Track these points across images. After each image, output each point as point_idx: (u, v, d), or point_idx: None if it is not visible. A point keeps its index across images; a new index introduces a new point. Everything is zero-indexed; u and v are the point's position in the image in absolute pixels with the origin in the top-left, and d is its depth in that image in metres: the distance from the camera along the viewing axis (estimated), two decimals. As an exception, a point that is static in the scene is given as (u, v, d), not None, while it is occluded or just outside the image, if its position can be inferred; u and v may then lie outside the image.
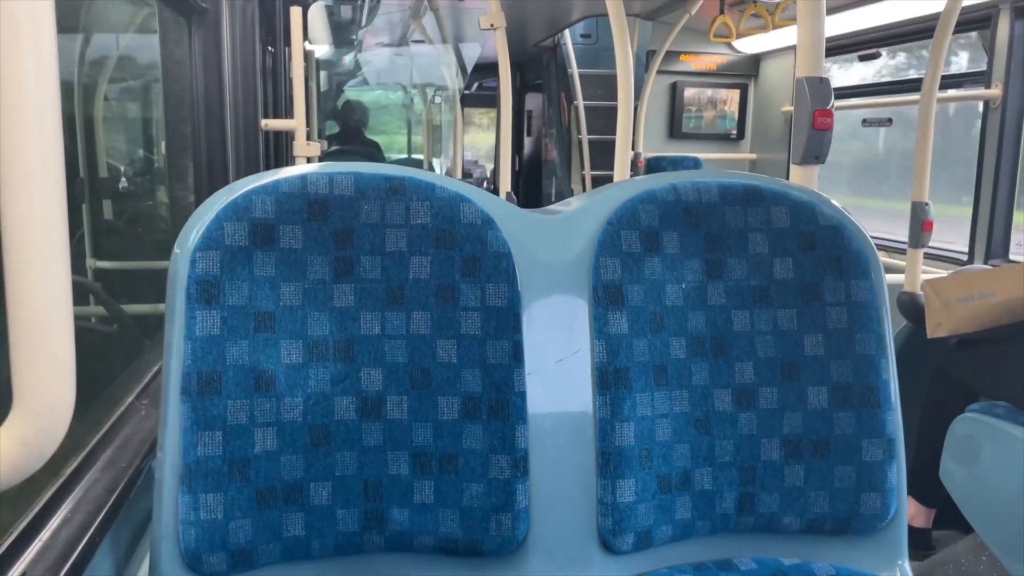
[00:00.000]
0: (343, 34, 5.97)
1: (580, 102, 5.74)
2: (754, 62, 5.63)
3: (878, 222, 4.26)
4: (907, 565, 1.23)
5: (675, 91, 5.67)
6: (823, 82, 1.60)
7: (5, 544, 0.85)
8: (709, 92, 5.72)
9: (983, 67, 3.27)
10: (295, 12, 2.58)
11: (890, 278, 1.26)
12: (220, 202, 1.06)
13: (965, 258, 3.29)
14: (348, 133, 6.05)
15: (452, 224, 1.13)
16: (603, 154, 5.53)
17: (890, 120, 4.17)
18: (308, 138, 2.73)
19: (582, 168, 5.76)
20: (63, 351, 0.59)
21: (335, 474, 1.08)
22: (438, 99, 8.11)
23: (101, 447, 1.16)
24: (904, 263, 2.78)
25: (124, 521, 1.08)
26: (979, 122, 3.30)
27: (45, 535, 0.90)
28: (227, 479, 1.02)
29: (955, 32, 2.76)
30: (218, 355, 1.03)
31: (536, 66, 7.07)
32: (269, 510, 1.05)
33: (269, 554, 1.06)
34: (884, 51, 4.17)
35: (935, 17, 2.71)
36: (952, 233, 3.50)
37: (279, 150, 3.22)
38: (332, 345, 1.09)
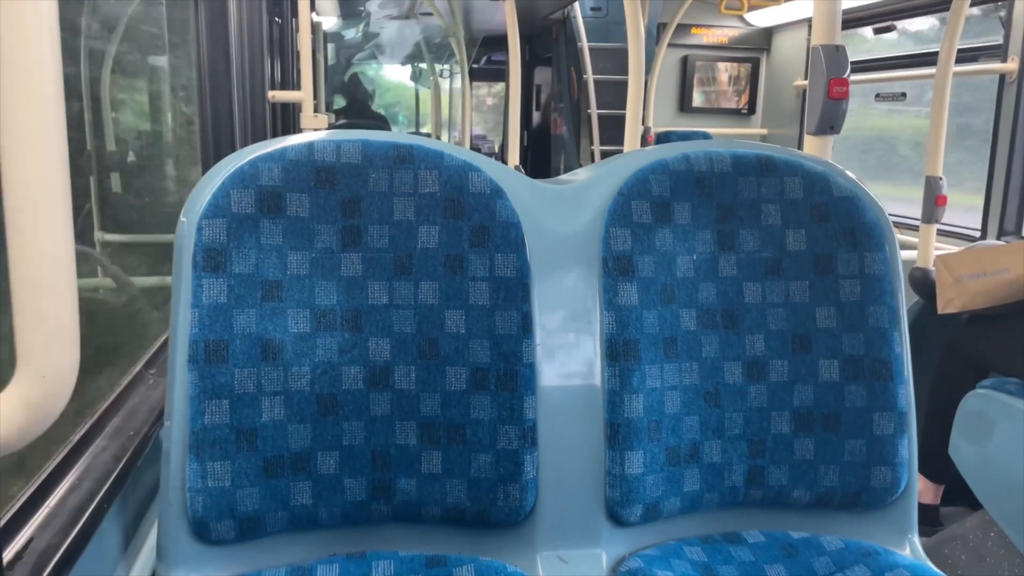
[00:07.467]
0: (350, 6, 5.92)
1: (590, 76, 5.68)
2: (766, 36, 5.56)
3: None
4: (917, 539, 1.22)
5: (686, 65, 5.61)
6: (839, 50, 1.57)
7: (11, 510, 0.85)
8: (721, 66, 5.66)
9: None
10: None
11: (902, 254, 1.24)
12: (227, 169, 1.05)
13: (978, 234, 3.26)
14: (355, 106, 6.04)
15: (461, 193, 1.11)
16: (612, 129, 5.48)
17: (904, 95, 4.11)
18: (315, 110, 2.72)
19: (591, 143, 5.72)
20: (67, 314, 0.58)
21: (343, 443, 1.08)
22: (446, 73, 8.05)
23: (109, 415, 1.15)
24: (916, 239, 2.76)
25: (132, 489, 1.08)
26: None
27: (52, 501, 0.90)
28: (234, 447, 1.02)
29: (972, 4, 2.71)
30: (225, 323, 1.02)
31: (545, 40, 7.00)
32: (276, 479, 1.05)
33: (277, 522, 1.06)
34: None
35: None
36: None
37: (286, 122, 3.21)
38: (340, 314, 1.08)
